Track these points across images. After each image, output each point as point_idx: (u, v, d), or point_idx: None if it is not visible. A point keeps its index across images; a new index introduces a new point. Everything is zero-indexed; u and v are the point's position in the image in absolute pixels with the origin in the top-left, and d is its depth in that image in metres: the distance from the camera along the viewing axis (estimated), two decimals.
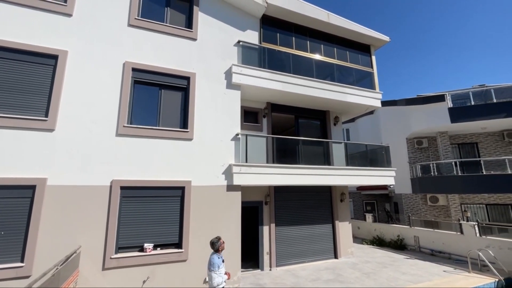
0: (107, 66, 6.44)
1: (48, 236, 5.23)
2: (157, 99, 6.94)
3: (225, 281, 4.40)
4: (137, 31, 6.94)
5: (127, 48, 6.74)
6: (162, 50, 7.11)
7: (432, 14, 52.03)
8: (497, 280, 7.21)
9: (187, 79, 7.21)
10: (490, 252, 8.00)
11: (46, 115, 5.68)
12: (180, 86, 7.16)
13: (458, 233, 9.62)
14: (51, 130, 5.65)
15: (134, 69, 6.68)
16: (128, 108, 6.46)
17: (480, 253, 7.99)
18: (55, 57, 5.98)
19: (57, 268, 3.96)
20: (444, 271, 8.05)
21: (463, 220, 9.96)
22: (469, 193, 13.15)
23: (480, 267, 8.00)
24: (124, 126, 6.25)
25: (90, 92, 6.14)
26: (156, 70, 6.90)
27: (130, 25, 6.88)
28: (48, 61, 5.95)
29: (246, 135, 7.64)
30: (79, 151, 5.80)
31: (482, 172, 12.63)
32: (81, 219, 5.55)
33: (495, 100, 13.10)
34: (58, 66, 5.94)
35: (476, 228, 9.08)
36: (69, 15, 6.30)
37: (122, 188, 6.00)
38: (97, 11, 6.62)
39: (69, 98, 5.92)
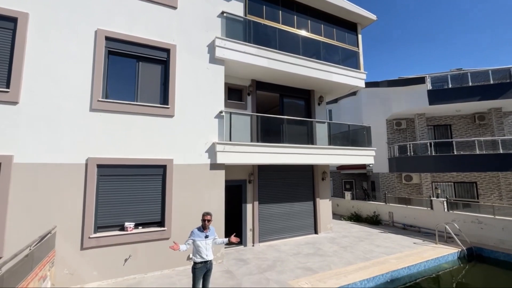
0: (76, 33, 5.82)
1: (19, 216, 4.92)
2: (134, 72, 6.47)
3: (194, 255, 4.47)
4: None
5: (99, 14, 6.10)
6: (139, 18, 6.53)
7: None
8: (460, 250, 7.91)
9: (167, 51, 6.74)
10: (456, 225, 8.68)
11: (8, 86, 5.12)
12: (159, 58, 6.69)
13: (429, 208, 10.31)
14: (15, 103, 5.12)
15: (107, 38, 6.11)
16: (103, 81, 5.97)
17: (446, 226, 8.66)
18: (13, 20, 5.29)
19: (30, 249, 3.75)
20: (414, 243, 8.68)
21: (434, 197, 10.65)
22: (440, 172, 14.01)
23: (446, 238, 8.70)
24: (98, 101, 5.81)
25: (58, 61, 5.56)
26: (133, 40, 6.37)
27: None
28: (5, 24, 5.26)
29: (230, 113, 7.43)
30: (49, 127, 5.36)
31: (453, 153, 13.42)
32: (55, 199, 5.25)
33: (470, 84, 13.64)
34: (18, 31, 5.28)
35: (445, 204, 9.76)
36: None
37: (99, 166, 5.71)
38: None
39: (34, 67, 5.34)
